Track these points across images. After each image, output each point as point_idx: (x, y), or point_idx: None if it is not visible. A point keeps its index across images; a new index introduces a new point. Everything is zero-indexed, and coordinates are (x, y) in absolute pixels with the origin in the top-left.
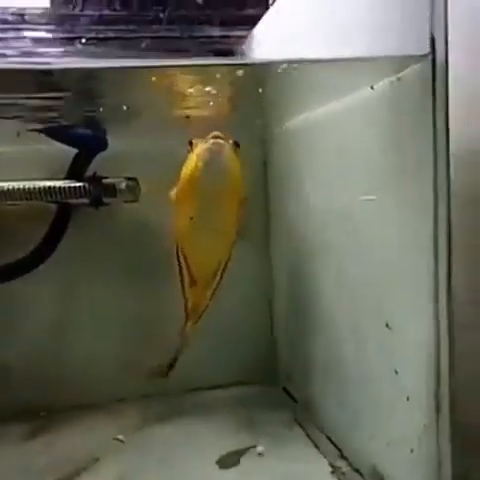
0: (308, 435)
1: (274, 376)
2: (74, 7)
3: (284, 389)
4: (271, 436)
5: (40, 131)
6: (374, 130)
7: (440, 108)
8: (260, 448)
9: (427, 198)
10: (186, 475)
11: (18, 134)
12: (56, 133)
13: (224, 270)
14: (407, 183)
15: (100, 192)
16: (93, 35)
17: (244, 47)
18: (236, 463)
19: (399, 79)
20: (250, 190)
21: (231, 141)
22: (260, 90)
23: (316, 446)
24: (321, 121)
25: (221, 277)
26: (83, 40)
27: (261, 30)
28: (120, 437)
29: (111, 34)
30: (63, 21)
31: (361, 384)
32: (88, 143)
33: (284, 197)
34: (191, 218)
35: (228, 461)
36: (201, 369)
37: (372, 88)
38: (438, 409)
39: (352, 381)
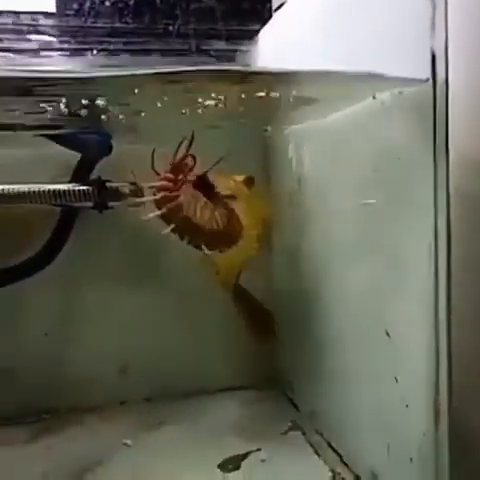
0: (308, 441)
1: (275, 382)
2: (86, 20)
3: (285, 395)
4: (271, 441)
5: (44, 136)
6: (375, 139)
7: (441, 121)
8: (261, 453)
9: (427, 207)
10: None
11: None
12: (60, 138)
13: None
14: (407, 193)
15: (104, 196)
16: (104, 47)
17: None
18: (237, 467)
19: (401, 93)
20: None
21: (243, 178)
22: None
23: (316, 452)
24: (323, 128)
25: None
26: (94, 51)
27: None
28: (128, 442)
29: (122, 46)
30: (75, 33)
31: (361, 391)
32: (92, 148)
33: (286, 202)
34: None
35: (229, 465)
36: (201, 374)
37: (374, 98)
38: (437, 417)
39: (352, 388)
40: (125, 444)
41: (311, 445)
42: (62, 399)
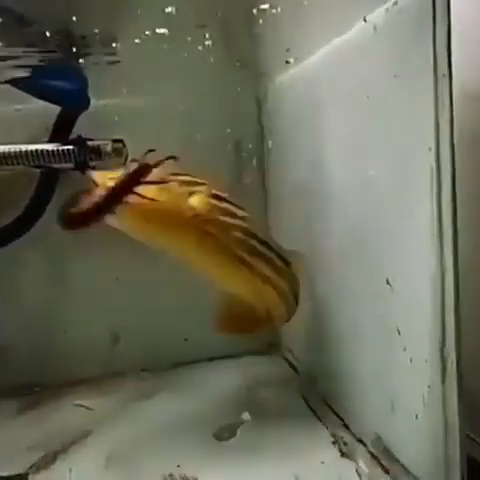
0: (309, 405)
1: (275, 346)
2: None
3: (285, 359)
4: (271, 406)
5: (11, 83)
6: (374, 68)
7: (441, 34)
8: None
9: (428, 137)
10: (182, 448)
11: None
12: (29, 85)
13: None
14: (408, 121)
15: (85, 155)
16: None
17: None
18: (233, 435)
19: (396, 3)
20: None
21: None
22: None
23: (317, 416)
24: (316, 69)
25: None
26: None
27: None
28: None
29: None
30: None
31: (361, 347)
32: (67, 97)
33: (282, 162)
34: None
35: (225, 433)
36: (197, 342)
37: (365, 20)
38: (444, 369)
39: (352, 346)
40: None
41: (311, 409)
42: (53, 372)
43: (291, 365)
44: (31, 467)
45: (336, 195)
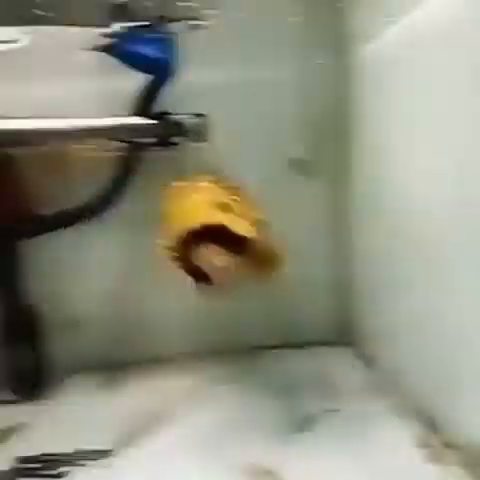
0: (390, 402)
1: (350, 338)
2: None
3: (359, 351)
4: (349, 400)
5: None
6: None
7: None
8: (337, 412)
9: None
10: (262, 436)
11: None
12: (120, 52)
13: None
14: None
15: (168, 130)
16: None
17: None
18: (313, 427)
19: None
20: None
21: None
22: None
23: (399, 414)
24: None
25: None
26: None
27: None
28: None
29: None
30: None
31: (451, 343)
32: (152, 66)
33: (365, 143)
34: None
35: (305, 424)
36: (273, 328)
37: None
38: None
39: (441, 338)
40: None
41: (392, 406)
42: (132, 350)
43: (366, 358)
44: (114, 444)
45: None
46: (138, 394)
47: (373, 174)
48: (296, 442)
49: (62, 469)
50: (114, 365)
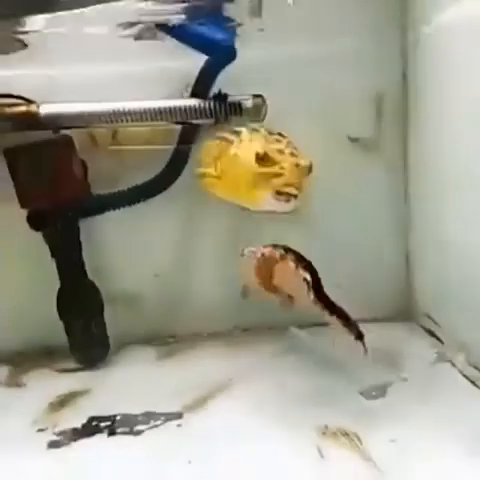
0: (461, 372)
1: (410, 312)
2: None
3: (423, 327)
4: (418, 373)
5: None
6: None
7: None
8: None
9: None
10: (330, 406)
11: None
12: (180, 33)
13: None
14: None
15: (226, 111)
16: None
17: None
18: (382, 395)
19: None
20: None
21: None
22: None
23: (473, 383)
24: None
25: None
26: None
27: None
28: None
29: None
30: None
31: None
32: (214, 48)
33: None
34: None
35: (373, 392)
36: None
37: None
38: None
39: None
40: None
41: (465, 376)
42: (186, 325)
43: (432, 333)
44: (184, 407)
45: None
46: (196, 364)
47: (434, 151)
48: (370, 408)
49: (138, 428)
50: (168, 338)
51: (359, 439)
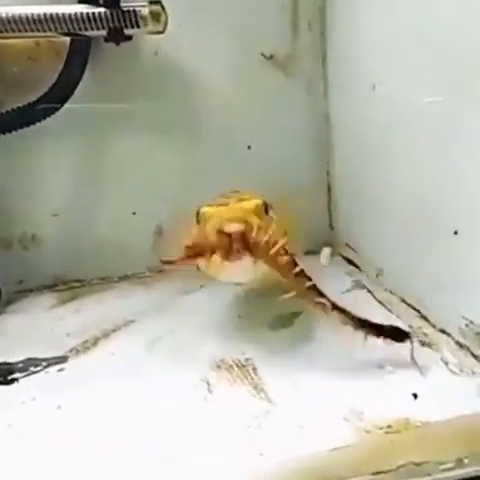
0: (376, 298)
1: (332, 242)
2: None
3: (341, 255)
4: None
5: None
6: None
7: None
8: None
9: None
10: (232, 336)
11: None
12: None
13: None
14: None
15: (119, 20)
16: None
17: None
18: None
19: None
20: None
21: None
22: None
23: (388, 309)
24: None
25: None
26: None
27: None
28: None
29: None
30: None
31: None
32: None
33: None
34: None
35: (281, 323)
36: None
37: None
38: None
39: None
40: None
41: (380, 302)
42: (92, 267)
43: (351, 262)
44: (71, 351)
45: None
46: (95, 308)
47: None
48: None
49: (14, 376)
50: (72, 283)
51: (255, 370)
